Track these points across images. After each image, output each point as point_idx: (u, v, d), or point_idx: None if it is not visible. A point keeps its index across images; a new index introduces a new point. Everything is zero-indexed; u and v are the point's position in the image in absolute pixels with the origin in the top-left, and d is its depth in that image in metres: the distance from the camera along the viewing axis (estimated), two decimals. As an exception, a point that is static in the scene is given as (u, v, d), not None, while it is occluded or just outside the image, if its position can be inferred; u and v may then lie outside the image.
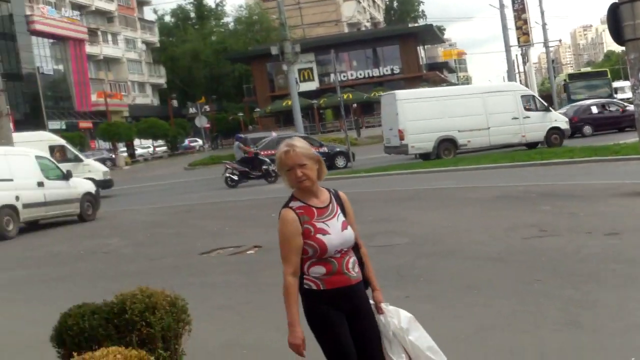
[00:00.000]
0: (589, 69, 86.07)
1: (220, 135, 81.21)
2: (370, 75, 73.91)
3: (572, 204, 13.43)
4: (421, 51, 78.76)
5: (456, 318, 7.04)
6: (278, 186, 25.58)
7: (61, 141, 30.51)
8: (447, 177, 21.08)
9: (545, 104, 32.57)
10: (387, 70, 73.57)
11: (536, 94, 37.93)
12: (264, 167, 27.33)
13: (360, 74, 73.92)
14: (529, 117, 29.87)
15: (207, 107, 76.31)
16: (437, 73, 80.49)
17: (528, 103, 30.53)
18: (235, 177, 27.05)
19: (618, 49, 60.41)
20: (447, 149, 29.19)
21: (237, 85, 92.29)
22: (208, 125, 70.79)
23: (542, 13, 69.20)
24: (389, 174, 25.12)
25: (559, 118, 31.37)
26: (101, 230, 17.42)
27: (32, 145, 28.28)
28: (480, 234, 11.56)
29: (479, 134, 29.24)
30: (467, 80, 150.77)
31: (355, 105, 66.38)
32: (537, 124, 29.98)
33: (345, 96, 47.76)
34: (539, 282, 8.10)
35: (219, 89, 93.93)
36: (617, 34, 14.26)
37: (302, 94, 55.73)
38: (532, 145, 30.37)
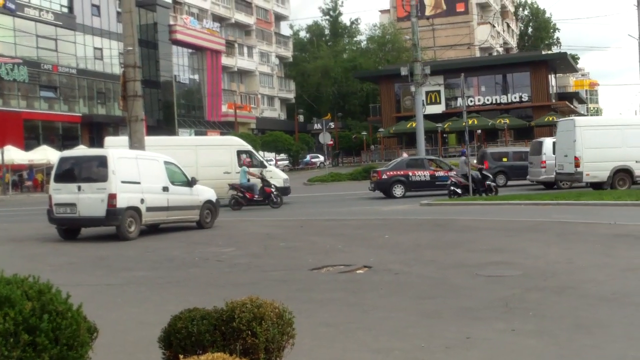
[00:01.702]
0: None
1: (342, 152, 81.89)
2: (498, 101, 72.91)
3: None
4: (552, 79, 76.95)
5: (561, 357, 6.86)
6: (395, 207, 25.57)
7: (248, 147, 31.26)
8: (566, 211, 20.51)
9: None
10: (515, 97, 72.35)
11: None
12: (487, 182, 28.25)
13: (488, 100, 73.00)
14: None
15: (332, 124, 77.10)
16: (567, 103, 78.27)
17: None
18: (459, 191, 27.82)
19: None
20: (622, 179, 28.24)
21: (364, 104, 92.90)
22: (331, 142, 71.53)
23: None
24: (509, 204, 24.67)
25: None
26: (217, 239, 17.73)
27: (222, 149, 29.72)
28: (596, 272, 11.21)
29: None
30: (597, 113, 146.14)
31: (479, 131, 65.59)
32: None
33: (470, 121, 47.20)
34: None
35: (345, 106, 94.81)
36: None
37: (427, 117, 55.58)
38: None
